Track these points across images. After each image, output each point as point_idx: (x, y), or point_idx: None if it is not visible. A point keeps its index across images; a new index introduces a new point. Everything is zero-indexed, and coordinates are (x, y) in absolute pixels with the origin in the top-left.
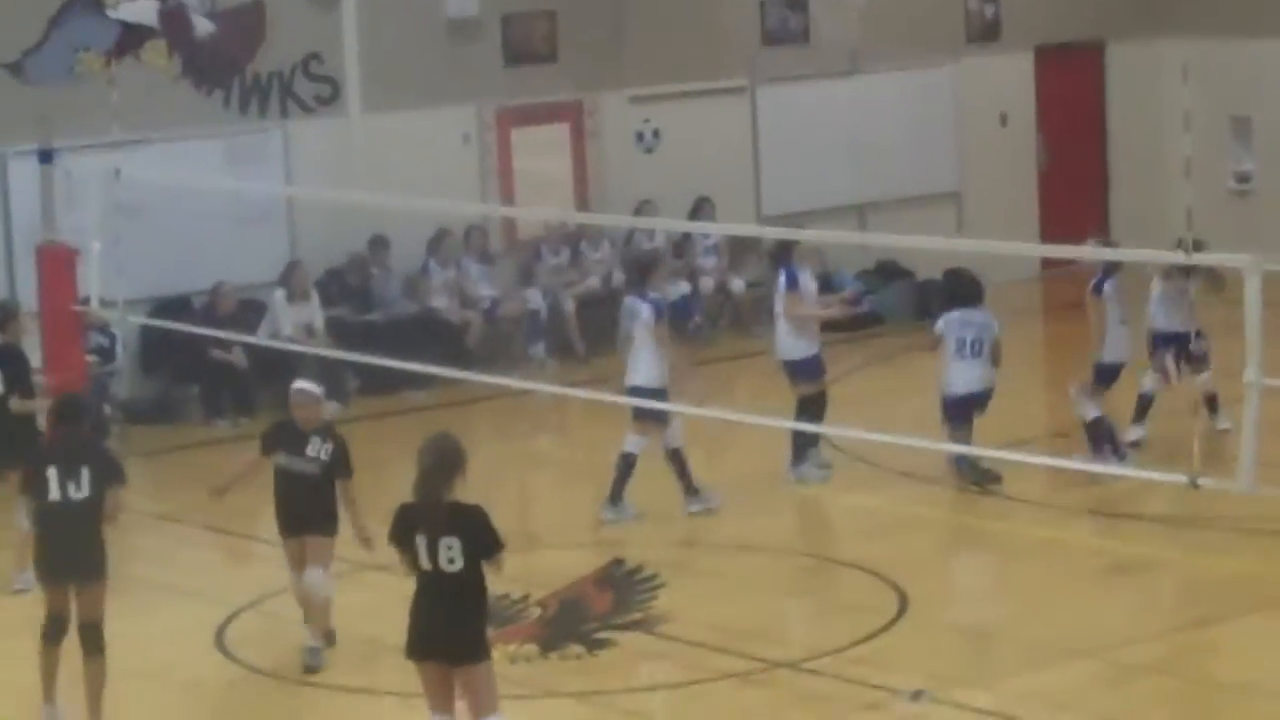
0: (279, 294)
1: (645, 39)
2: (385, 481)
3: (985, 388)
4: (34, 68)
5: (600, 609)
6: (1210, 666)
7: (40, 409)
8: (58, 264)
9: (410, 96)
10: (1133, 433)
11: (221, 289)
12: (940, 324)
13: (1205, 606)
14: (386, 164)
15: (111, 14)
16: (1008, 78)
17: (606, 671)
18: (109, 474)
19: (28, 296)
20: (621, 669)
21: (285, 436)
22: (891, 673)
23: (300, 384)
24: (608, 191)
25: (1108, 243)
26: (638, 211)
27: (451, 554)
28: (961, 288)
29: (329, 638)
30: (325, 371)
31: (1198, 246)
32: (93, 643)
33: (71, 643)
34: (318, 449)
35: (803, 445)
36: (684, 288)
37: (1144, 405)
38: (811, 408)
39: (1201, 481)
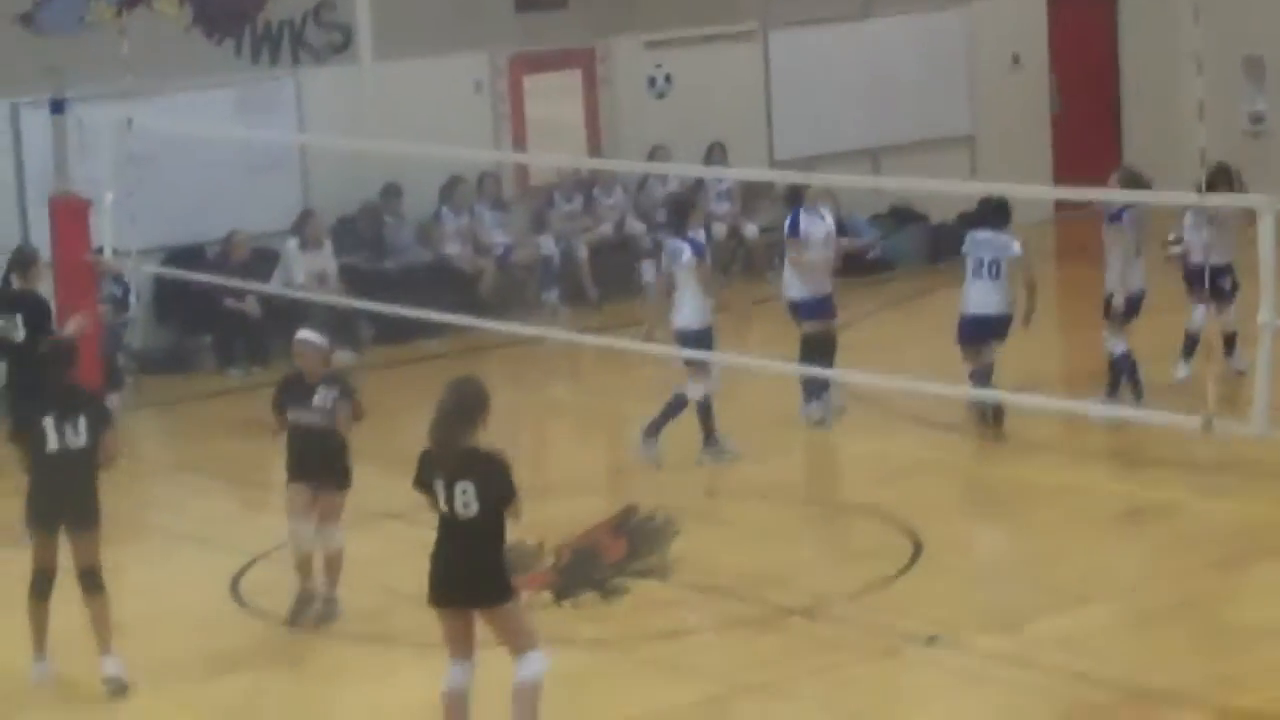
0: (292, 243)
1: None
2: (399, 429)
3: (998, 312)
4: (45, 18)
5: (614, 557)
6: (1227, 610)
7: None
8: (71, 214)
9: (422, 44)
10: (1180, 370)
11: (234, 238)
12: (965, 244)
13: (1222, 550)
14: (398, 112)
15: None
16: (1020, 20)
17: (621, 619)
18: (103, 420)
19: (41, 247)
20: (636, 617)
21: (292, 392)
22: (906, 618)
23: (303, 333)
24: (620, 138)
25: (1133, 172)
26: (651, 157)
27: (466, 498)
28: (988, 209)
29: (324, 597)
30: (339, 320)
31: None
32: (93, 584)
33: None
34: (325, 399)
35: (811, 384)
36: (699, 236)
37: (1191, 343)
38: (814, 347)
39: (1215, 424)
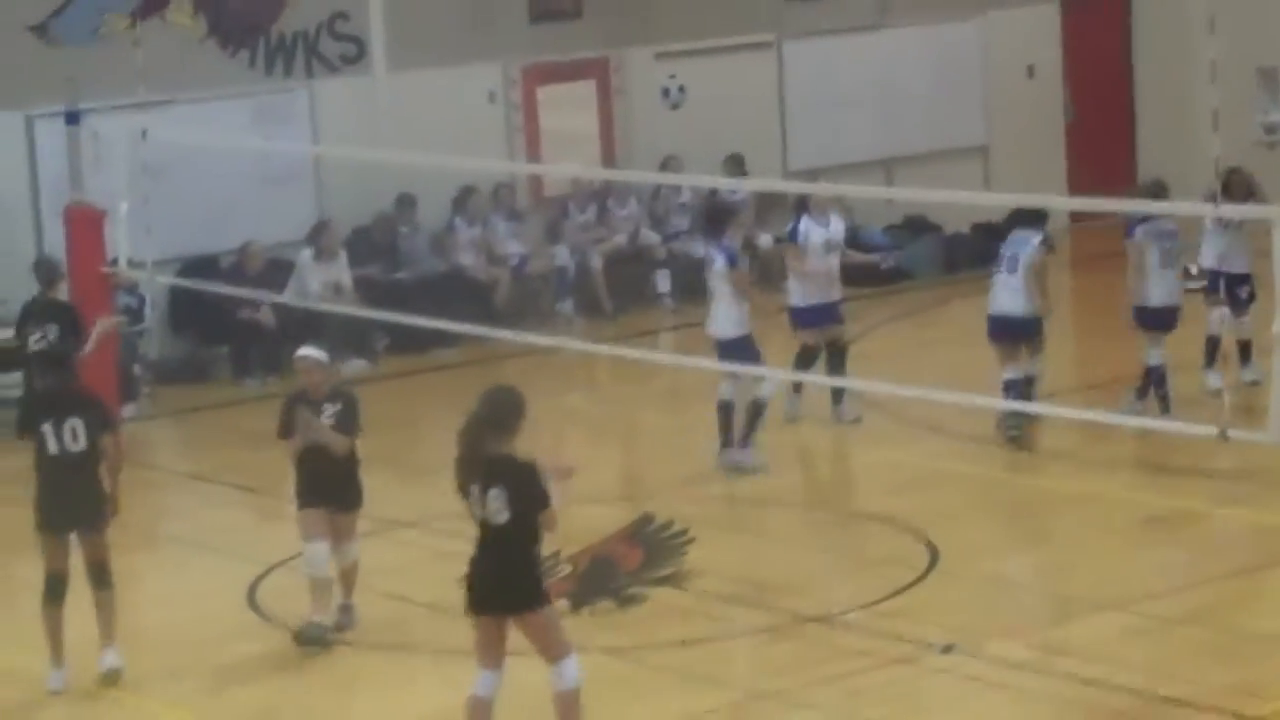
0: (306, 253)
1: None
2: (414, 438)
3: (1021, 313)
4: (59, 29)
5: (631, 565)
6: (1242, 618)
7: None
8: (86, 225)
9: (436, 55)
10: (1211, 380)
11: (249, 249)
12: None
13: (1239, 558)
14: (413, 123)
15: None
16: (1034, 30)
17: (637, 627)
18: (102, 423)
19: (52, 257)
20: (652, 624)
21: (299, 415)
22: (922, 626)
23: (306, 350)
24: (634, 148)
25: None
26: (663, 168)
27: (498, 505)
28: (1023, 209)
29: (341, 605)
30: (353, 330)
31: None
32: (100, 580)
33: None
34: (333, 415)
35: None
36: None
37: (1211, 348)
38: (806, 357)
39: (1231, 433)
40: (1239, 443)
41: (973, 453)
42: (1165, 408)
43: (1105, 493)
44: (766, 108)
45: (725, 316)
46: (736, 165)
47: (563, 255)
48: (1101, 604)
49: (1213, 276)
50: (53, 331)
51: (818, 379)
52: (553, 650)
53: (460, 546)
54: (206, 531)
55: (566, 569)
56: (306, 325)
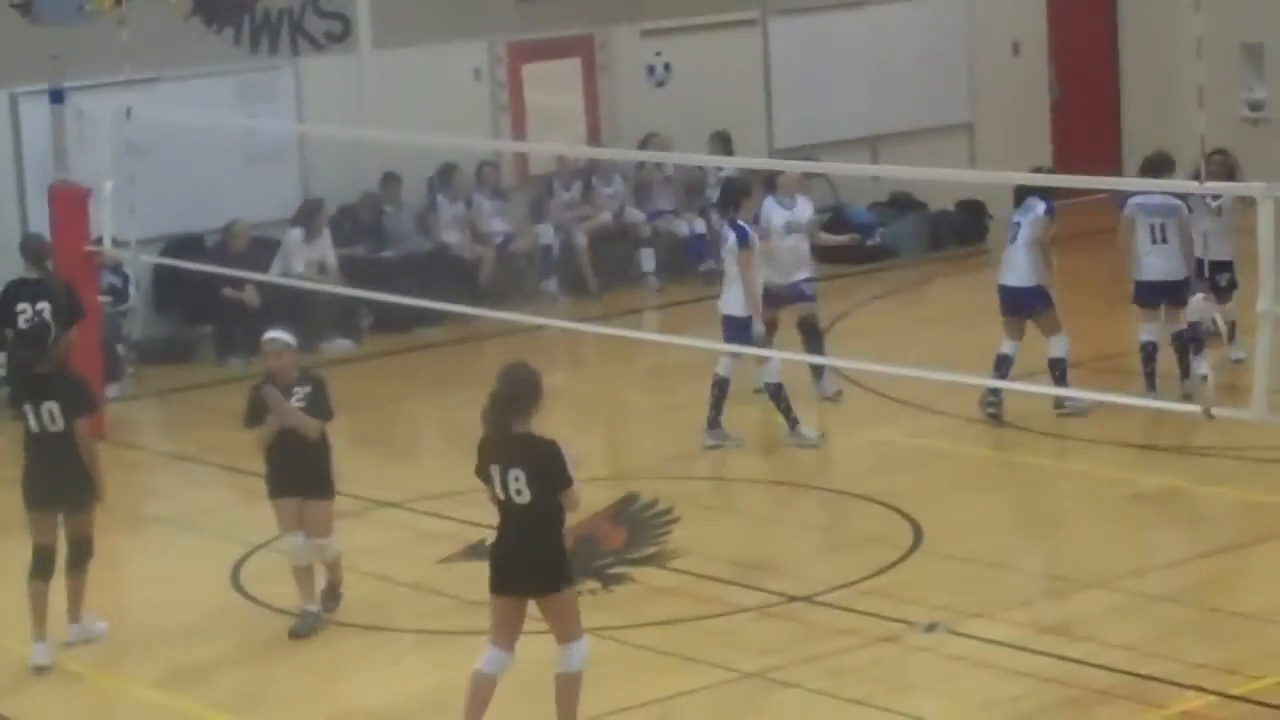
0: (296, 232)
1: None
2: (397, 418)
3: (1016, 283)
4: (44, 7)
5: (614, 544)
6: (1226, 597)
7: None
8: (70, 204)
9: (421, 32)
10: (1196, 365)
11: (234, 227)
12: None
13: (1222, 537)
14: (398, 100)
15: None
16: (1019, 7)
17: (621, 607)
18: (75, 407)
19: (42, 235)
20: (636, 604)
21: (270, 398)
22: (907, 605)
23: (273, 333)
24: (619, 126)
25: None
26: (644, 145)
27: (519, 485)
28: (1032, 181)
29: (335, 596)
30: (338, 309)
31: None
32: (75, 559)
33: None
34: (303, 399)
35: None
36: (698, 227)
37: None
38: (771, 332)
39: (1215, 411)
40: (1224, 421)
41: (957, 431)
42: (1150, 385)
43: (1089, 471)
44: (752, 85)
45: (733, 294)
46: (722, 143)
47: (547, 233)
48: (1085, 582)
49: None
50: (46, 310)
51: (803, 357)
52: (568, 632)
53: (443, 527)
54: (190, 512)
55: None
56: (291, 304)
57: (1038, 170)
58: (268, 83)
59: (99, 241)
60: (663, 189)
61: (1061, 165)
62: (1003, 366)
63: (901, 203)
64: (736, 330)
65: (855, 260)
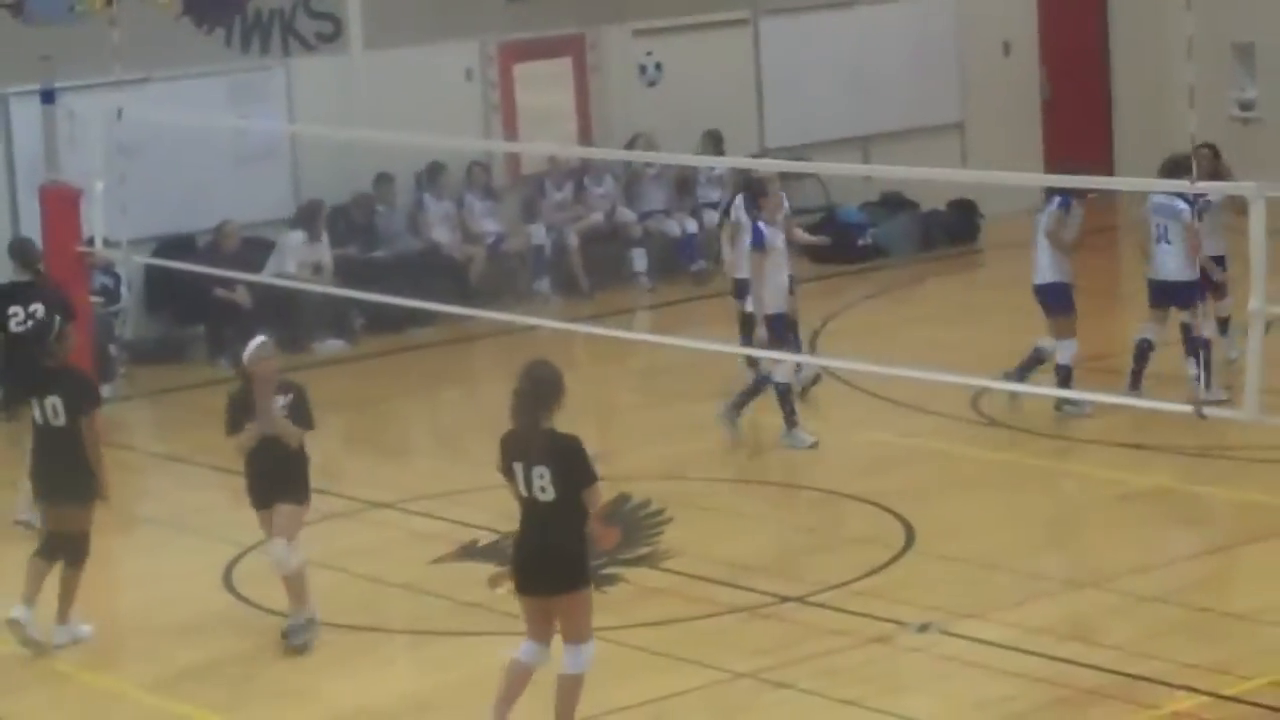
0: (296, 234)
1: None
2: (390, 418)
3: (1038, 280)
4: (35, 7)
5: (607, 545)
6: (1217, 596)
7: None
8: (61, 204)
9: (412, 32)
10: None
11: (225, 228)
12: None
13: (1213, 536)
14: (389, 101)
15: None
16: (1010, 6)
17: (614, 607)
18: (80, 401)
19: (32, 237)
20: (629, 604)
21: (248, 406)
22: (899, 605)
23: (261, 339)
24: (611, 126)
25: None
26: (631, 145)
27: (543, 483)
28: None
29: (309, 616)
30: (330, 310)
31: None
32: (70, 555)
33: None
34: (285, 406)
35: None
36: (690, 227)
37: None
38: (745, 324)
39: (1207, 411)
40: (1216, 420)
41: (949, 431)
42: (1134, 384)
43: (1081, 471)
44: (743, 84)
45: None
46: (714, 142)
47: (539, 233)
48: (1077, 582)
49: None
50: (39, 311)
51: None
52: (578, 633)
53: (436, 527)
54: (182, 513)
55: None
56: (283, 305)
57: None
58: (259, 83)
59: (90, 242)
60: (654, 188)
61: (1053, 165)
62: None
63: (893, 202)
64: (772, 328)
65: (847, 260)
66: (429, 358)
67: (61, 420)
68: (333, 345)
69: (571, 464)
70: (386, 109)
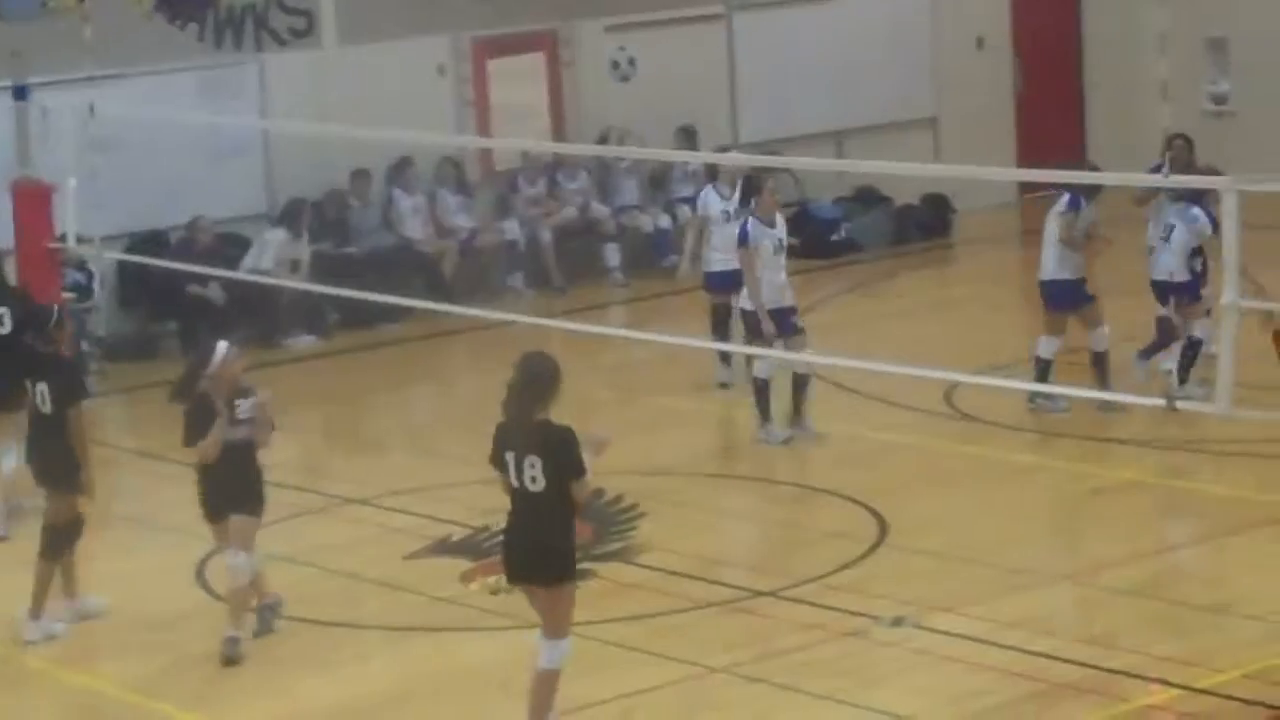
0: (279, 232)
1: None
2: (363, 413)
3: (1044, 277)
4: (6, 4)
5: (580, 540)
6: (1190, 590)
7: None
8: (33, 201)
9: (385, 28)
10: (1162, 361)
11: (198, 224)
12: None
13: (1185, 530)
14: (362, 96)
15: None
16: (983, 2)
17: (587, 602)
18: (65, 394)
19: (3, 234)
20: (602, 599)
21: (209, 412)
22: (872, 599)
23: (226, 342)
24: (584, 121)
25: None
26: (603, 139)
27: (534, 473)
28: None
29: (276, 608)
30: (304, 305)
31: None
32: (46, 545)
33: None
34: (247, 409)
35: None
36: (663, 222)
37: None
38: (719, 319)
39: (1179, 404)
40: (1188, 414)
41: (923, 425)
42: (1182, 380)
43: (1054, 465)
44: (717, 80)
45: (744, 291)
46: (688, 137)
47: (513, 229)
48: (1051, 576)
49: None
50: (5, 315)
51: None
52: (558, 628)
53: (410, 523)
54: (156, 509)
55: None
56: (257, 301)
57: (1084, 166)
58: (232, 79)
59: (63, 238)
60: (627, 183)
61: (1026, 159)
62: (1039, 366)
63: (866, 197)
64: (747, 323)
65: (820, 255)
66: (402, 353)
67: (48, 408)
68: (306, 341)
69: (562, 454)
70: (360, 104)
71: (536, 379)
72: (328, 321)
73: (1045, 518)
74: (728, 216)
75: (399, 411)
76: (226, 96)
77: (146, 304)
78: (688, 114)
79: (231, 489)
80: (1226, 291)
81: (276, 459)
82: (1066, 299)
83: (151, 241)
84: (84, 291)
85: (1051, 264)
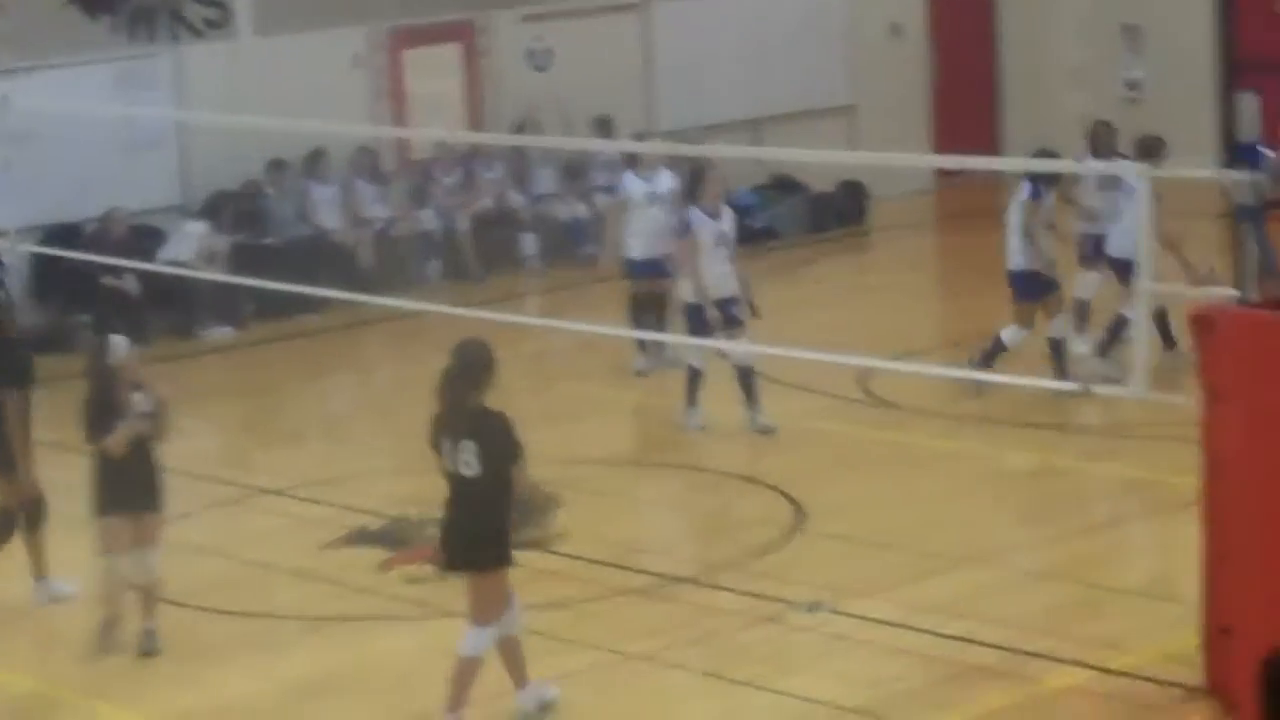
0: (201, 224)
1: None
2: (278, 405)
3: (1009, 267)
4: None
5: None
6: (1105, 572)
7: None
8: None
9: (301, 19)
10: (1079, 345)
11: (113, 215)
12: None
13: (1100, 513)
14: (278, 87)
15: None
16: None
17: None
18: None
19: None
20: (520, 587)
21: (110, 407)
22: (789, 585)
23: (120, 340)
24: (501, 111)
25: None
26: (519, 127)
27: (468, 457)
28: (1042, 154)
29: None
30: (219, 296)
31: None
32: None
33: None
34: (147, 403)
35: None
36: (580, 211)
37: (1081, 310)
38: (640, 305)
39: (1094, 388)
40: (1103, 398)
41: (838, 411)
42: (1059, 368)
43: (970, 449)
44: (634, 69)
45: (685, 282)
46: (604, 127)
47: (429, 218)
48: (965, 560)
49: (1086, 239)
50: None
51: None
52: (485, 615)
53: (325, 513)
54: (72, 503)
55: (433, 533)
56: (172, 292)
57: (1040, 154)
58: (147, 70)
59: None
60: (544, 172)
61: (942, 146)
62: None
63: (783, 184)
64: (688, 316)
65: (738, 242)
66: (318, 344)
67: None
68: (222, 332)
69: (497, 439)
70: (275, 96)
71: (471, 365)
72: (244, 312)
73: (961, 502)
74: (650, 200)
75: (316, 402)
76: (141, 88)
77: (60, 296)
78: (605, 103)
79: (134, 484)
80: (1140, 276)
81: (193, 450)
82: (1034, 290)
83: (65, 233)
84: None
85: (1015, 254)
